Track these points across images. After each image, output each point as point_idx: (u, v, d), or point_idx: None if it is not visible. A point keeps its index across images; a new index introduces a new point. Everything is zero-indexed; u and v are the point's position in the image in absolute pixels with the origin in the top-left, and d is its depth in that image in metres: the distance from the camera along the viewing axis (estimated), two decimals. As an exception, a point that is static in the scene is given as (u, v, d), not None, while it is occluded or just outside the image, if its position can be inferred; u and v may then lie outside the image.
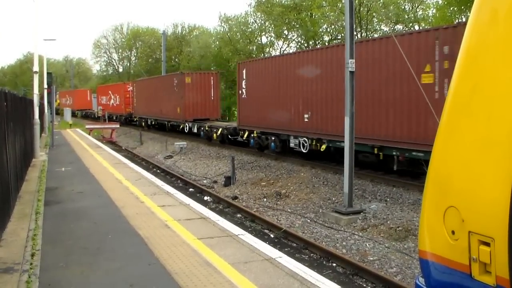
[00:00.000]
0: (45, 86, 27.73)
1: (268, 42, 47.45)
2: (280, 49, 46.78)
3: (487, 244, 2.39)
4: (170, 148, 28.73)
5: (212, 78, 31.37)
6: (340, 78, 14.96)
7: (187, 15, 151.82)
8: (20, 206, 9.82)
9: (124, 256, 6.83)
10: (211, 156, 24.87)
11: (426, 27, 33.42)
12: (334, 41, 38.11)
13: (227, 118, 38.02)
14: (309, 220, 12.88)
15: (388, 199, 13.62)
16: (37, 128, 19.44)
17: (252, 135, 22.99)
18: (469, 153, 2.58)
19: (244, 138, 24.09)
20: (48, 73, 28.03)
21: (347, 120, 12.69)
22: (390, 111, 14.60)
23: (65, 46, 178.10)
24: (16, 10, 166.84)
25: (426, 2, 34.62)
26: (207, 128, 28.17)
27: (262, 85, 22.01)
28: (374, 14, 34.84)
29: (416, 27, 34.36)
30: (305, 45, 40.69)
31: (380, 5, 34.04)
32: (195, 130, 29.91)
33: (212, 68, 45.72)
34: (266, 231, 12.29)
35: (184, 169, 22.67)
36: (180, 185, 18.83)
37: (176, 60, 63.64)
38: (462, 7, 26.97)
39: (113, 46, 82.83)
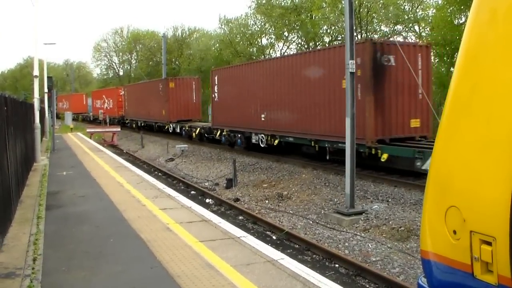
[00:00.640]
0: (46, 90, 27.76)
1: (268, 44, 47.52)
2: (281, 50, 46.84)
3: (489, 243, 2.39)
4: (171, 151, 28.75)
5: (193, 82, 34.61)
6: (284, 84, 19.61)
7: (187, 17, 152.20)
8: (22, 211, 9.82)
9: (126, 259, 6.82)
10: (212, 158, 24.87)
11: (426, 27, 33.49)
12: (335, 42, 38.12)
13: (210, 119, 38.67)
14: (311, 222, 12.88)
15: (390, 200, 13.60)
16: (38, 132, 19.46)
17: (223, 133, 25.88)
18: (469, 153, 2.58)
19: (217, 136, 26.75)
20: (48, 77, 28.03)
21: (348, 121, 12.68)
22: (322, 111, 17.41)
23: (65, 50, 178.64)
24: (16, 14, 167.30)
25: (426, 2, 34.61)
26: (187, 128, 31.47)
27: (230, 89, 25.00)
28: (374, 14, 34.81)
29: (416, 28, 34.40)
30: (305, 46, 40.70)
31: (380, 5, 34.03)
32: (178, 130, 32.93)
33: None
34: (268, 232, 12.29)
35: (186, 171, 22.68)
36: (182, 188, 18.83)
37: (177, 63, 63.68)
38: (462, 7, 26.96)
39: (114, 50, 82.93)
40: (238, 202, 15.74)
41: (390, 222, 11.80)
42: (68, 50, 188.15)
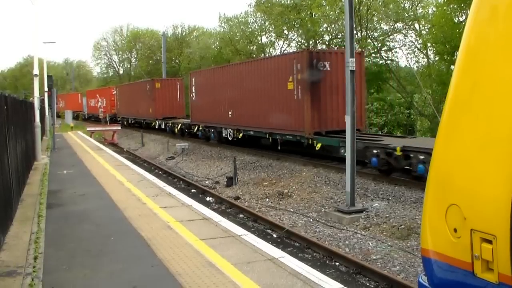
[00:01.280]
0: (46, 89, 27.75)
1: (268, 42, 47.48)
2: (281, 48, 46.77)
3: (489, 242, 2.39)
4: (171, 149, 28.75)
5: (178, 83, 37.90)
6: (245, 85, 22.80)
7: (187, 16, 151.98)
8: (22, 210, 9.83)
9: (127, 257, 6.83)
10: (212, 157, 24.88)
11: (426, 25, 33.43)
12: (335, 40, 38.10)
13: None
14: (311, 220, 12.88)
15: (390, 198, 13.61)
16: (38, 131, 19.46)
17: (200, 128, 29.15)
18: (470, 151, 2.58)
19: (195, 131, 30.02)
20: (48, 76, 28.00)
21: (348, 119, 12.69)
22: (273, 108, 20.45)
23: (65, 48, 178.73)
24: (15, 13, 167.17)
25: (426, 0, 34.54)
26: (170, 124, 34.62)
27: (205, 90, 28.15)
28: (374, 12, 34.75)
29: (416, 26, 34.34)
30: (305, 44, 40.66)
31: (380, 3, 33.98)
32: (163, 126, 35.93)
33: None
34: (269, 231, 12.30)
35: (186, 170, 22.69)
36: (182, 186, 18.84)
37: (177, 61, 63.61)
38: (462, 5, 26.95)
39: (113, 48, 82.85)
40: (238, 200, 15.75)
41: (391, 220, 11.81)
42: (68, 49, 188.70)
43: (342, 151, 16.06)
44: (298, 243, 11.10)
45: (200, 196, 16.74)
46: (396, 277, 8.60)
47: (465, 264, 2.55)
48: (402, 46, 35.99)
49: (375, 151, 15.49)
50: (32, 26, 22.44)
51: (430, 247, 2.87)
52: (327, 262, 9.83)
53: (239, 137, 24.00)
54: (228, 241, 7.58)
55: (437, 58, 31.98)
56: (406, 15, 33.85)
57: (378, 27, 36.71)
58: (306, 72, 18.16)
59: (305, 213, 13.50)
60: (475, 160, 2.52)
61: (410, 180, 14.69)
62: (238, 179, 18.47)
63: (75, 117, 65.57)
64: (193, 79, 30.04)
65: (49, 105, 29.53)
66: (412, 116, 32.85)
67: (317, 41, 40.03)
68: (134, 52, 77.73)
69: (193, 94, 29.91)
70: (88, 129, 38.39)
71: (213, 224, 8.71)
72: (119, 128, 38.44)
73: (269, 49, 47.17)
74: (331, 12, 35.93)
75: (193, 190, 17.86)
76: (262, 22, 46.38)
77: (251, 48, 47.20)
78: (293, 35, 44.55)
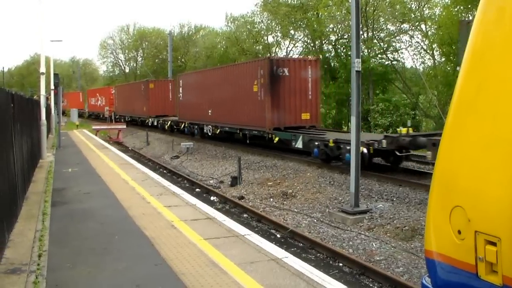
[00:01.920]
0: (52, 87, 27.84)
1: (274, 42, 47.45)
2: (287, 48, 46.77)
3: (494, 244, 2.38)
4: (176, 149, 28.78)
5: (170, 84, 40.61)
6: (221, 87, 25.83)
7: (194, 15, 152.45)
8: (27, 207, 9.86)
9: (131, 256, 6.85)
10: (217, 156, 24.89)
11: (433, 26, 33.33)
12: (341, 41, 38.04)
13: None
14: (315, 220, 12.86)
15: (394, 199, 13.57)
16: (44, 129, 19.51)
17: (185, 125, 32.09)
18: (475, 152, 2.57)
19: (181, 128, 32.91)
20: (55, 74, 28.11)
21: (353, 120, 12.66)
22: (243, 108, 23.31)
23: (71, 47, 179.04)
24: (22, 12, 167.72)
25: (433, 1, 34.41)
26: (161, 121, 37.84)
27: (190, 91, 31.21)
28: (380, 13, 34.68)
29: (423, 27, 34.23)
30: (312, 44, 40.63)
31: (387, 4, 33.91)
32: (155, 123, 39.00)
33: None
34: (273, 231, 12.28)
35: (191, 169, 22.70)
36: (187, 185, 18.86)
37: (183, 60, 63.74)
38: (469, 6, 26.86)
39: (120, 47, 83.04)
40: (242, 200, 15.74)
41: (395, 221, 11.78)
42: (75, 47, 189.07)
43: (294, 143, 19.85)
44: (302, 244, 11.09)
45: (204, 195, 16.74)
46: (399, 279, 8.58)
47: (469, 266, 2.55)
48: (408, 47, 35.96)
49: (316, 143, 18.41)
50: (38, 24, 22.46)
51: (434, 249, 2.86)
52: (331, 262, 9.81)
53: (217, 132, 26.96)
54: (232, 240, 7.58)
55: (443, 59, 31.89)
56: (413, 16, 33.77)
57: (385, 28, 36.66)
58: (267, 76, 21.16)
59: (309, 214, 13.48)
60: (480, 161, 2.51)
61: (415, 181, 14.68)
62: (243, 179, 18.46)
63: (80, 115, 66.14)
64: (180, 81, 33.23)
65: (55, 103, 29.65)
66: (417, 117, 32.76)
67: (323, 41, 40.00)
68: (140, 51, 77.97)
69: (180, 94, 32.93)
70: (93, 127, 38.48)
71: (217, 223, 8.71)
72: (124, 126, 38.54)
73: (275, 49, 47.19)
74: (338, 13, 35.88)
75: (197, 190, 17.87)
76: (269, 22, 46.40)
77: (257, 48, 47.20)
78: (299, 35, 44.58)
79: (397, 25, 35.10)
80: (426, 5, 34.54)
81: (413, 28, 34.65)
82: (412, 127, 18.05)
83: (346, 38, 36.25)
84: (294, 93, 21.51)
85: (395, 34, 35.79)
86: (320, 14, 38.29)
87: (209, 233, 8.00)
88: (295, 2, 40.83)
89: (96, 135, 34.60)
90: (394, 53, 36.31)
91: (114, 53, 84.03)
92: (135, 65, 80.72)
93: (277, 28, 45.52)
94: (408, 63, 44.62)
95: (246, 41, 46.99)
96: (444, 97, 29.16)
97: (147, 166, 20.25)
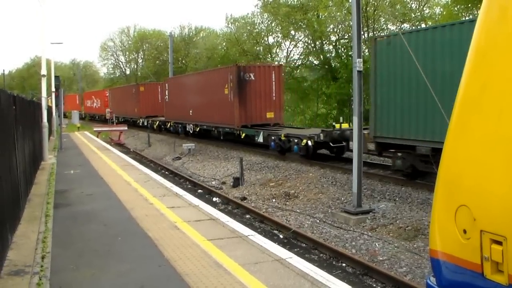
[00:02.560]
0: (53, 89, 27.86)
1: (275, 43, 47.45)
2: (287, 49, 46.75)
3: (499, 243, 2.37)
4: (178, 150, 28.79)
5: (159, 86, 42.19)
6: (199, 90, 29.43)
7: (194, 17, 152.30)
8: (30, 209, 9.87)
9: (134, 258, 6.85)
10: (219, 157, 24.89)
11: (430, 23, 33.28)
12: (342, 41, 38.04)
13: None
14: (318, 220, 12.86)
15: (397, 199, 13.57)
16: (45, 131, 19.54)
17: (171, 124, 35.24)
18: (479, 151, 2.57)
19: (168, 127, 36.05)
20: (55, 76, 28.09)
21: (355, 120, 12.66)
22: (216, 108, 26.55)
23: (72, 49, 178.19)
24: (23, 14, 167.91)
25: (433, 1, 34.43)
26: (150, 121, 40.90)
27: (175, 93, 34.27)
28: (381, 13, 34.70)
29: (423, 25, 34.19)
30: (312, 45, 40.62)
31: (387, 4, 33.92)
32: (145, 123, 42.03)
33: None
34: (276, 231, 12.28)
35: (193, 170, 22.70)
36: (189, 186, 18.85)
37: (183, 62, 63.74)
38: (469, 5, 26.85)
39: (120, 49, 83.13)
40: (245, 201, 15.74)
41: (397, 221, 11.77)
42: (75, 50, 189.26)
43: (256, 138, 23.26)
44: (305, 244, 11.09)
45: (207, 196, 16.74)
46: (403, 279, 8.57)
47: (474, 266, 2.54)
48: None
49: (273, 138, 21.51)
50: (39, 27, 22.49)
51: (439, 248, 2.86)
52: (334, 263, 9.81)
53: (197, 130, 30.30)
54: (236, 241, 7.58)
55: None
56: (413, 15, 33.77)
57: (385, 28, 36.65)
58: (235, 81, 24.37)
59: (312, 214, 13.47)
60: (485, 160, 2.51)
61: (417, 181, 14.67)
62: (245, 180, 18.46)
63: (81, 118, 66.39)
64: (167, 84, 36.73)
65: (56, 105, 29.68)
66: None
67: (324, 42, 39.99)
68: (141, 52, 78.00)
69: (167, 96, 36.31)
70: (95, 129, 38.44)
71: (220, 224, 8.71)
72: (126, 128, 38.51)
73: (276, 49, 47.19)
74: (338, 13, 35.88)
75: (199, 191, 17.87)
76: (269, 22, 46.40)
77: (257, 48, 47.21)
78: (300, 36, 44.58)
79: (398, 24, 35.12)
80: (426, 5, 34.55)
81: (414, 27, 34.61)
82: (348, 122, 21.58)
83: (346, 38, 36.28)
84: (260, 95, 24.72)
85: (396, 34, 35.71)
86: (320, 14, 38.29)
87: (212, 234, 8.00)
88: (295, 3, 40.84)
89: (97, 137, 34.60)
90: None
91: (115, 55, 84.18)
92: (135, 67, 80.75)
93: (277, 29, 45.52)
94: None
95: (247, 42, 46.99)
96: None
97: (149, 167, 20.27)
